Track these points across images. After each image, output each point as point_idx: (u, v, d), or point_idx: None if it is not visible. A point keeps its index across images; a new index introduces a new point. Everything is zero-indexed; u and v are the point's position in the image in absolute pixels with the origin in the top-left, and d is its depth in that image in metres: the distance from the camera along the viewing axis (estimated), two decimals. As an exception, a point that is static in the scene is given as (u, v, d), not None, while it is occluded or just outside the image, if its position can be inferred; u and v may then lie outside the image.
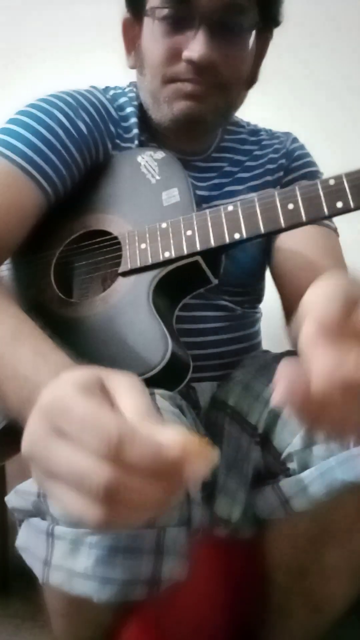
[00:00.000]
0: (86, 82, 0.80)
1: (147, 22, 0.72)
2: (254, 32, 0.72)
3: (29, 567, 0.55)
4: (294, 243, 0.76)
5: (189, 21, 0.68)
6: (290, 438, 0.57)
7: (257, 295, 0.86)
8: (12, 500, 0.58)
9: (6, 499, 0.60)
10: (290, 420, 0.57)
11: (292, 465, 0.56)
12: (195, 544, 0.52)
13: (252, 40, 0.73)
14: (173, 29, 0.69)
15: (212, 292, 0.73)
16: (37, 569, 0.53)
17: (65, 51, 1.40)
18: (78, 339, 0.64)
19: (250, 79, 0.78)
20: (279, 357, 0.68)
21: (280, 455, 0.57)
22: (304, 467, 0.55)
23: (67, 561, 0.49)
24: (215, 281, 0.67)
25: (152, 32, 0.71)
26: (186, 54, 0.68)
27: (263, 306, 0.88)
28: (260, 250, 0.81)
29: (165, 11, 0.69)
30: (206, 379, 0.74)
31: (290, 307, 0.74)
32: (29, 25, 1.47)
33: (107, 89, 0.81)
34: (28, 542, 0.56)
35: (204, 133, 0.77)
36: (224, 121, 0.80)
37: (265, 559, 0.60)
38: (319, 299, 0.31)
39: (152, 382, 0.56)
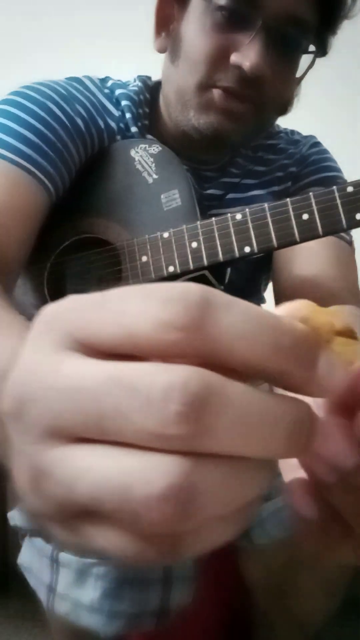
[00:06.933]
0: (86, 69, 0.71)
1: (198, 5, 0.60)
2: (303, 57, 0.63)
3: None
4: (296, 254, 0.66)
5: (248, 21, 0.57)
6: None
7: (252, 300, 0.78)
8: (15, 517, 0.55)
9: (8, 515, 0.56)
10: None
11: None
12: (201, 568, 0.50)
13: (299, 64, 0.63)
14: (228, 24, 0.58)
15: None
16: (41, 593, 0.51)
17: (64, 37, 1.29)
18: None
19: (285, 106, 0.67)
20: None
21: None
22: (266, 497, 0.51)
23: (73, 591, 0.48)
24: (220, 288, 0.63)
25: (203, 20, 0.59)
26: (235, 58, 0.57)
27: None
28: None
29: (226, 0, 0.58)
30: None
31: None
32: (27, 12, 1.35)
33: (105, 79, 0.72)
34: (31, 563, 0.53)
35: (222, 152, 0.68)
36: (247, 143, 0.71)
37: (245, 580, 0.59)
38: None
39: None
